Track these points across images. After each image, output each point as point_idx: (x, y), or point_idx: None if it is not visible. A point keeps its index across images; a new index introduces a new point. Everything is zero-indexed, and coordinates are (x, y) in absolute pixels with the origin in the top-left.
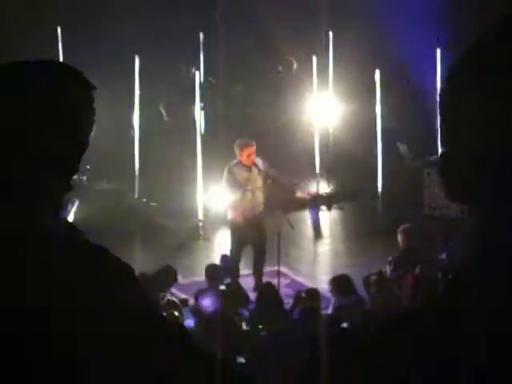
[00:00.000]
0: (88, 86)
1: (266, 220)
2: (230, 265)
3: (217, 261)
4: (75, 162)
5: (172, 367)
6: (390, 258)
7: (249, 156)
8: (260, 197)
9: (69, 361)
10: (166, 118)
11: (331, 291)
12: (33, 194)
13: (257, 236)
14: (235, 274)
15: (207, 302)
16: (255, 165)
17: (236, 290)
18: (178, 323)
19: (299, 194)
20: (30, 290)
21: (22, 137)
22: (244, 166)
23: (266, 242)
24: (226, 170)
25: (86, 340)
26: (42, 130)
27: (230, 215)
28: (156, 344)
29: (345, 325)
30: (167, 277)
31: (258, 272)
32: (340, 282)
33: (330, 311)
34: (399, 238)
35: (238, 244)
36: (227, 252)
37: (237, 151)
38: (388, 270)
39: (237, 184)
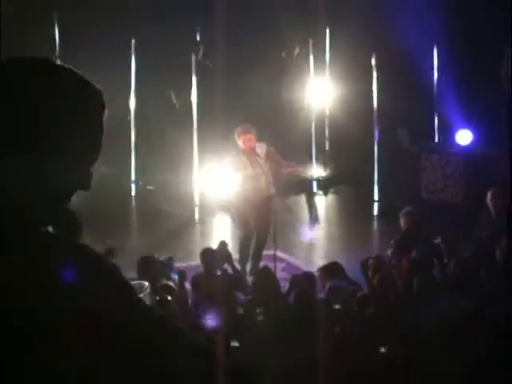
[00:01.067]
0: (97, 90)
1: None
2: (240, 251)
3: (213, 245)
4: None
5: (167, 365)
6: (392, 241)
7: (250, 140)
8: (264, 182)
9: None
10: (176, 104)
11: (320, 277)
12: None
13: (259, 222)
14: (231, 258)
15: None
16: (254, 151)
17: (233, 274)
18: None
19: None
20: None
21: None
22: (244, 151)
23: (268, 228)
24: (230, 157)
25: (74, 342)
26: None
27: (234, 202)
28: (148, 344)
29: (337, 306)
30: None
31: (255, 256)
32: (329, 268)
33: (323, 294)
34: (401, 220)
35: (245, 232)
36: (222, 237)
37: (237, 137)
38: (389, 253)
39: (239, 171)
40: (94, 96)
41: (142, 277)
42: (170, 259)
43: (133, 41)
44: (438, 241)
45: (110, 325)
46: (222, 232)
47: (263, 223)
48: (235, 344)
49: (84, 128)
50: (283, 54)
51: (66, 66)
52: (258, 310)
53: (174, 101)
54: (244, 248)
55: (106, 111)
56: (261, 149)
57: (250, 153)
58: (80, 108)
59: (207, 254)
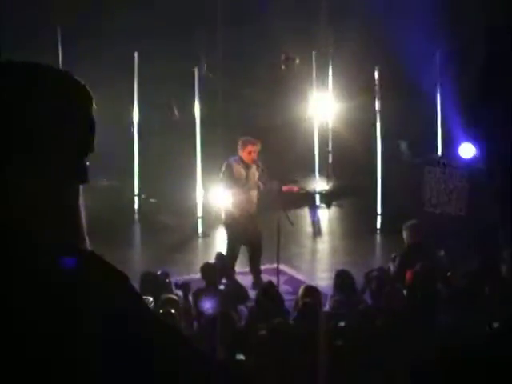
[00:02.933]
0: (85, 89)
1: (262, 218)
2: (226, 262)
3: (213, 258)
4: (81, 164)
5: (171, 372)
6: (393, 255)
7: (250, 153)
8: (255, 195)
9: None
10: (177, 116)
11: (334, 285)
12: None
13: (251, 234)
14: (231, 271)
15: (208, 305)
16: (255, 163)
17: (235, 287)
18: (176, 328)
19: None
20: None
21: (29, 138)
22: (243, 162)
23: (261, 239)
24: (224, 164)
25: (81, 346)
26: (48, 132)
27: (224, 212)
28: (153, 350)
29: (342, 323)
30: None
31: (255, 269)
32: (343, 279)
33: (327, 308)
34: (404, 234)
35: (233, 241)
36: (223, 250)
37: (240, 147)
38: (391, 266)
39: (233, 179)
40: (78, 91)
41: (144, 291)
42: (165, 274)
43: (136, 54)
44: (441, 254)
45: (123, 330)
46: (224, 245)
47: (255, 235)
48: (240, 357)
49: (71, 124)
50: (282, 66)
51: (43, 64)
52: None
53: (176, 113)
54: (230, 260)
55: (94, 105)
56: (254, 169)
57: (250, 164)
58: (64, 105)
59: (207, 268)
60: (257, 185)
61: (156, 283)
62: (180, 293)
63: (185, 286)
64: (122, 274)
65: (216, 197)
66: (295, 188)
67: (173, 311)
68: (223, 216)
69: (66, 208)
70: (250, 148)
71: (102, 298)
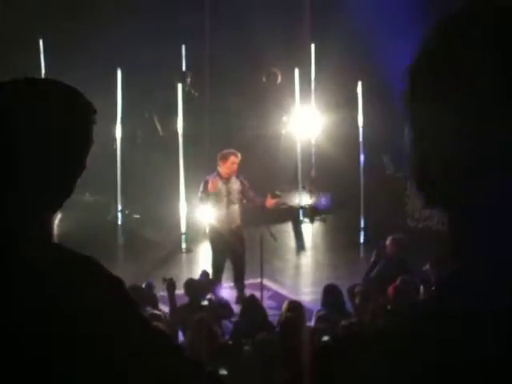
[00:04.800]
0: (89, 104)
1: (245, 232)
2: (211, 278)
3: (199, 274)
4: (72, 182)
5: (163, 378)
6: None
7: (230, 166)
8: (237, 210)
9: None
10: (161, 132)
11: (321, 300)
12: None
13: (235, 249)
14: (217, 285)
15: None
16: (235, 177)
17: (219, 303)
18: (168, 335)
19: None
20: (17, 300)
21: (18, 153)
22: (222, 178)
23: (244, 254)
24: (203, 182)
25: (73, 349)
26: (40, 149)
27: (208, 226)
28: (145, 355)
29: (326, 338)
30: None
31: (239, 284)
32: (329, 293)
33: (312, 322)
34: (388, 246)
35: (216, 255)
36: (207, 266)
37: (220, 160)
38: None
39: (208, 195)
40: (79, 109)
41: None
42: (150, 287)
43: (119, 70)
44: (426, 268)
45: (112, 334)
46: (208, 261)
47: (237, 251)
48: (223, 372)
49: (69, 143)
50: (264, 79)
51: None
52: (244, 341)
53: (160, 129)
54: (214, 273)
55: (94, 125)
56: (235, 184)
57: (228, 178)
58: (64, 122)
59: (190, 284)
60: (239, 200)
61: (141, 296)
62: (164, 308)
63: (169, 285)
64: (118, 279)
65: (199, 212)
66: (279, 201)
67: (160, 325)
68: (207, 230)
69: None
70: (233, 159)
71: (96, 299)
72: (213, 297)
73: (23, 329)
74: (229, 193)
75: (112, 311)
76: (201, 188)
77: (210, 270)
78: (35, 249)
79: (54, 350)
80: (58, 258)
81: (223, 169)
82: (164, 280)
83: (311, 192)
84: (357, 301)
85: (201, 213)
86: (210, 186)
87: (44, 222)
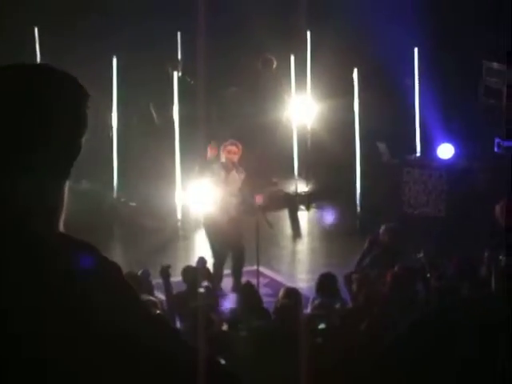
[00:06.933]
0: (83, 91)
1: (241, 220)
2: (214, 272)
3: (196, 261)
4: (69, 165)
5: (162, 361)
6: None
7: (230, 153)
8: (236, 198)
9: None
10: (156, 119)
11: (316, 288)
12: (26, 195)
13: (233, 238)
14: (219, 276)
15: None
16: (235, 166)
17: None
18: (166, 320)
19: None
20: (16, 289)
21: (18, 139)
22: (224, 166)
23: (243, 243)
24: (204, 167)
25: (74, 339)
26: (37, 132)
27: (204, 216)
28: (147, 341)
29: (322, 325)
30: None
31: (236, 273)
32: (325, 281)
33: (308, 310)
34: (381, 235)
35: (217, 250)
36: (204, 253)
37: (221, 151)
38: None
39: (213, 183)
40: (74, 92)
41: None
42: (146, 273)
43: (114, 58)
44: (420, 255)
45: (107, 319)
46: (204, 248)
47: (237, 240)
48: (220, 361)
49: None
50: (259, 66)
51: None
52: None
53: (154, 116)
54: (218, 265)
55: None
56: (237, 176)
57: (230, 167)
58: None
59: (189, 271)
60: (238, 191)
61: (137, 283)
62: (160, 295)
63: (164, 269)
64: (115, 264)
65: (195, 200)
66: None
67: (158, 312)
68: (203, 220)
69: (53, 207)
70: (232, 148)
71: (95, 284)
72: (210, 284)
73: (20, 305)
74: (229, 183)
75: (110, 295)
76: (203, 172)
77: (207, 257)
78: (37, 231)
79: (51, 334)
80: (58, 242)
81: (224, 158)
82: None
83: (307, 179)
84: (354, 288)
85: (197, 200)
86: (215, 171)
87: (46, 205)
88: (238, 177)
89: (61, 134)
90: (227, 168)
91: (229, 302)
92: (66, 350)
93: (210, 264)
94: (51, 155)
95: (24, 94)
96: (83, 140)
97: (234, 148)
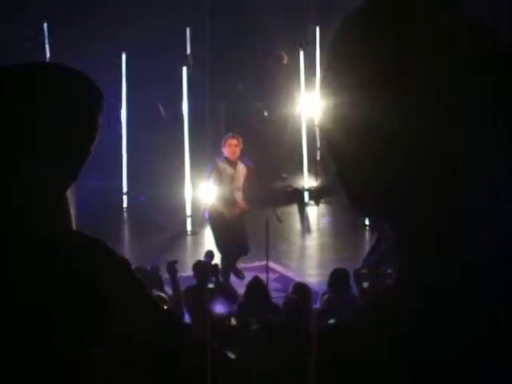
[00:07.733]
0: (97, 90)
1: (251, 215)
2: (222, 262)
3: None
4: (78, 168)
5: (172, 358)
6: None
7: (231, 147)
8: (240, 196)
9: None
10: (164, 114)
11: (328, 283)
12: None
13: (238, 235)
14: (227, 271)
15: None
16: (240, 161)
17: (225, 285)
18: (176, 314)
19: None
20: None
21: (29, 139)
22: (229, 161)
23: (248, 240)
24: (211, 165)
25: (81, 334)
26: (48, 133)
27: (210, 211)
28: (157, 336)
29: (332, 320)
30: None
31: (235, 267)
32: (338, 277)
33: (318, 305)
34: (389, 231)
35: (222, 242)
36: (212, 248)
37: (222, 146)
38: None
39: (222, 180)
40: (88, 94)
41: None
42: (155, 269)
43: (123, 54)
44: None
45: (123, 314)
46: (213, 243)
47: (241, 238)
48: (231, 356)
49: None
50: (270, 62)
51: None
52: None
53: (163, 113)
54: (225, 261)
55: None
56: (241, 170)
57: (233, 161)
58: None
59: (200, 266)
60: (243, 187)
61: (146, 279)
62: (169, 290)
63: (171, 267)
64: (125, 260)
65: (203, 195)
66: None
67: (165, 307)
68: (207, 216)
69: (58, 207)
70: (232, 141)
71: (105, 279)
72: (220, 279)
73: (31, 303)
74: (235, 178)
75: (121, 291)
76: (211, 170)
77: (215, 252)
78: (47, 226)
79: (60, 327)
80: (68, 239)
81: (226, 153)
82: (170, 264)
83: (317, 174)
84: (364, 284)
85: (205, 195)
86: (221, 169)
87: (55, 205)
88: (243, 170)
89: (71, 136)
90: (231, 162)
91: (237, 297)
92: (76, 348)
93: (217, 259)
94: (60, 156)
95: (34, 94)
96: (94, 145)
97: (234, 141)
